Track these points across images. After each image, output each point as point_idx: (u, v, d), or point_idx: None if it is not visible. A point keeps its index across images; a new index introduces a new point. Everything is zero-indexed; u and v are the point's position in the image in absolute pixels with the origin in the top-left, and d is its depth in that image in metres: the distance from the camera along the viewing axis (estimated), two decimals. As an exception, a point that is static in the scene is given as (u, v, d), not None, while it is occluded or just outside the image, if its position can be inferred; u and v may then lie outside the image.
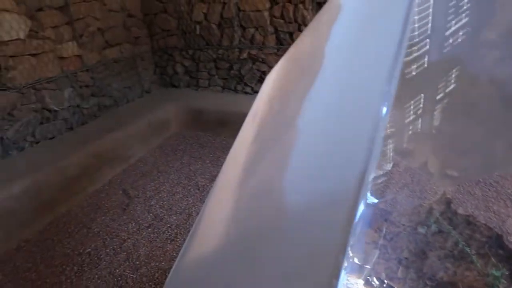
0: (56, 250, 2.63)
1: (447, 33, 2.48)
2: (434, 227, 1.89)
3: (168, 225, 2.76)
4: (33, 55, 3.66)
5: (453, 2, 2.29)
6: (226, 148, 3.97)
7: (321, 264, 0.45)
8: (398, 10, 0.65)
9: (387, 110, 0.55)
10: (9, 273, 2.44)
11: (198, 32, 5.03)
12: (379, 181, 2.90)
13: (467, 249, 1.72)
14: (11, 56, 3.45)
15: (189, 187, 3.26)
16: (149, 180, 3.45)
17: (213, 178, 3.36)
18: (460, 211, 2.16)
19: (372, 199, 2.49)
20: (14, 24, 3.43)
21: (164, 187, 3.30)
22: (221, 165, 3.79)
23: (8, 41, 3.41)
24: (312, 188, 0.62)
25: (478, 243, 1.77)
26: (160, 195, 3.17)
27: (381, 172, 2.85)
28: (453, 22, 2.43)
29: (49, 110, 3.87)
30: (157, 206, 3.00)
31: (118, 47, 4.86)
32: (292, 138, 0.87)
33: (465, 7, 2.35)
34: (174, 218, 2.83)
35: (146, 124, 4.23)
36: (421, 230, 1.91)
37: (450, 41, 2.51)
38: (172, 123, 4.66)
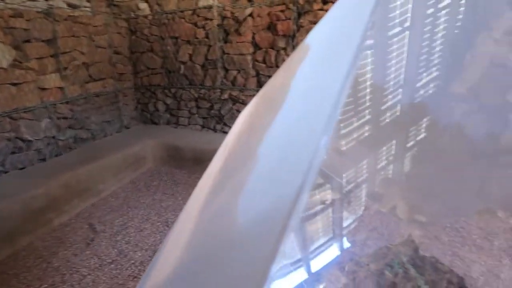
0: (10, 286, 2.48)
1: (419, 84, 2.61)
2: (400, 270, 1.89)
3: (132, 261, 2.66)
4: (14, 84, 3.66)
5: (424, 56, 2.44)
6: (201, 186, 3.94)
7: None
8: (350, 49, 0.70)
9: (326, 142, 0.58)
10: (-43, 307, 2.28)
11: (182, 71, 5.15)
12: (350, 223, 2.91)
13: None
14: (-11, 83, 3.44)
15: (158, 223, 3.19)
16: (117, 215, 3.37)
17: (185, 215, 3.31)
18: (427, 255, 2.17)
19: (341, 241, 2.49)
20: (-3, 52, 3.45)
21: (132, 222, 3.22)
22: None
23: (-11, 68, 3.41)
24: (254, 209, 0.63)
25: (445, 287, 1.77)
26: (127, 230, 3.08)
27: (352, 215, 2.87)
28: (425, 74, 2.57)
29: (23, 140, 3.80)
30: (123, 241, 2.91)
31: (102, 81, 4.91)
32: (251, 165, 0.89)
33: (436, 61, 2.50)
34: (139, 254, 2.74)
35: (121, 158, 4.19)
36: (387, 272, 1.90)
37: (422, 92, 2.64)
38: (148, 159, 4.63)
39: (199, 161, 4.38)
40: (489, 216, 2.74)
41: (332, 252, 2.24)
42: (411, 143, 2.90)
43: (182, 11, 4.91)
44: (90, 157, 3.98)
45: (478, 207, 2.71)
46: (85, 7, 4.67)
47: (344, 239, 2.58)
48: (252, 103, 1.72)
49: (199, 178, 3.68)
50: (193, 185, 3.98)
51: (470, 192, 2.64)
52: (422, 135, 2.87)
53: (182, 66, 5.14)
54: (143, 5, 5.26)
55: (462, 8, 2.32)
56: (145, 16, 5.25)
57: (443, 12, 2.23)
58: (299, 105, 0.80)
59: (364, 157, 2.90)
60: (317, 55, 0.97)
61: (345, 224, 2.74)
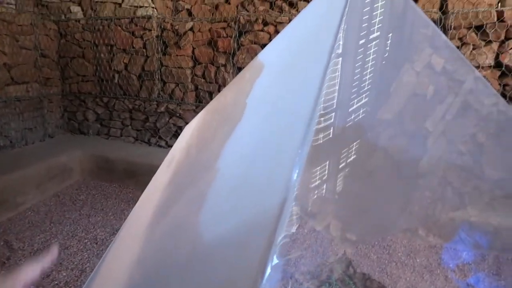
0: None
1: (351, 109, 2.74)
2: (335, 286, 1.96)
3: (56, 282, 2.43)
4: None
5: (356, 83, 2.57)
6: (132, 200, 3.75)
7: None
8: (317, 71, 0.72)
9: (301, 156, 0.59)
10: None
11: (116, 80, 4.93)
12: (285, 241, 2.96)
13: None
14: None
15: (86, 240, 2.96)
16: (39, 231, 3.07)
17: (114, 231, 3.11)
18: (359, 271, 2.28)
19: (277, 259, 2.52)
20: None
21: (56, 239, 2.96)
22: (125, 218, 3.55)
23: None
24: (222, 225, 0.62)
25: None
26: (50, 248, 2.82)
27: (287, 233, 2.92)
28: (356, 100, 2.71)
29: None
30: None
31: (25, 85, 4.52)
32: (210, 180, 0.87)
33: (366, 88, 2.65)
34: (64, 274, 2.52)
35: (44, 169, 3.85)
36: (324, 287, 1.96)
37: (353, 116, 2.78)
38: (76, 171, 4.31)
39: (131, 175, 4.18)
40: (411, 234, 2.97)
41: (269, 271, 2.25)
42: (343, 164, 3.04)
43: (119, 19, 4.74)
44: (7, 166, 3.60)
45: (402, 225, 2.92)
46: (9, 3, 4.30)
47: (281, 257, 2.62)
48: (199, 118, 1.69)
49: (131, 192, 3.55)
50: (124, 199, 3.78)
51: (395, 212, 2.84)
52: (353, 157, 3.02)
53: (116, 75, 4.93)
54: (76, 9, 4.98)
55: (389, 41, 2.52)
56: (78, 20, 4.97)
57: (373, 43, 2.38)
58: (264, 123, 0.81)
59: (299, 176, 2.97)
60: (277, 75, 0.99)
61: (280, 242, 2.79)
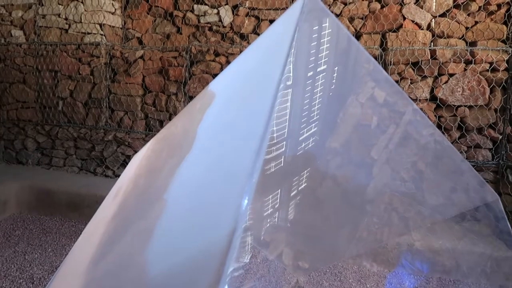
0: None
1: (301, 138, 2.79)
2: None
3: (-17, 330, 2.18)
4: None
5: (305, 113, 2.64)
6: (75, 235, 3.52)
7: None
8: (266, 102, 0.73)
9: (251, 184, 0.58)
10: None
11: (60, 108, 4.71)
12: (237, 273, 2.90)
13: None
14: None
15: (21, 280, 2.71)
16: (-35, 272, 2.77)
17: (54, 269, 2.88)
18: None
19: (231, 291, 2.45)
20: None
21: (-15, 281, 2.68)
22: (67, 254, 3.32)
23: None
24: (170, 259, 0.60)
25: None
26: (-23, 292, 2.54)
27: (239, 264, 2.87)
28: (305, 130, 2.78)
29: None
30: (-29, 306, 2.39)
31: (-45, 111, 4.18)
32: (158, 213, 0.84)
33: (315, 118, 2.72)
34: (-7, 320, 2.27)
35: (-26, 203, 3.53)
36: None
37: (303, 145, 2.83)
38: (10, 204, 3.99)
39: (75, 207, 3.93)
40: (360, 260, 3.03)
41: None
42: (295, 191, 3.07)
43: (65, 45, 4.59)
44: None
45: (352, 252, 2.98)
46: None
47: (234, 288, 2.55)
48: (148, 147, 1.65)
49: (74, 226, 3.35)
50: (66, 234, 3.53)
51: (345, 238, 2.90)
52: (304, 185, 3.07)
53: (60, 102, 4.71)
54: (18, 33, 4.77)
55: (335, 74, 2.64)
56: (19, 45, 4.74)
57: (321, 75, 2.48)
58: (213, 152, 0.80)
59: (250, 205, 2.96)
60: (227, 105, 1.00)
61: (233, 274, 2.72)
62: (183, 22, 4.44)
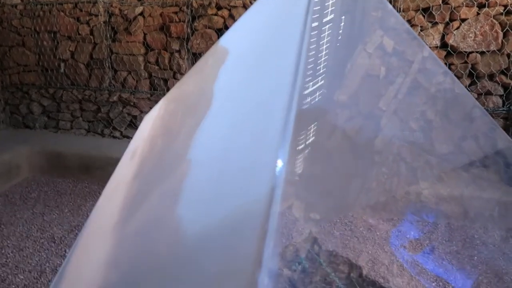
0: None
1: (306, 91, 2.74)
2: (304, 264, 2.02)
3: (14, 286, 2.30)
4: None
5: (311, 65, 2.58)
6: (89, 195, 3.61)
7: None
8: (289, 56, 0.71)
9: (285, 140, 0.58)
10: None
11: (62, 70, 4.65)
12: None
13: (336, 280, 1.88)
14: None
15: (42, 240, 2.82)
16: (-12, 234, 2.88)
17: (73, 228, 2.98)
18: (324, 249, 2.36)
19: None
20: None
21: (8, 241, 2.78)
22: (83, 214, 3.40)
23: None
24: (213, 213, 0.61)
25: (343, 274, 1.95)
26: (2, 251, 2.65)
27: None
28: (311, 83, 2.72)
29: None
30: (-1, 265, 2.50)
31: (-43, 77, 4.14)
32: (183, 172, 0.85)
33: (321, 71, 2.66)
34: (22, 277, 2.39)
35: (-12, 168, 3.59)
36: (294, 267, 2.01)
37: (309, 99, 2.79)
38: (23, 168, 4.05)
39: (86, 169, 4.00)
40: (370, 210, 3.10)
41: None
42: (302, 145, 3.07)
43: (61, 4, 4.44)
44: None
45: (362, 202, 3.04)
46: None
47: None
48: (161, 107, 1.64)
49: (87, 187, 3.42)
50: (80, 195, 3.62)
51: (355, 189, 2.94)
52: (312, 139, 3.06)
53: (62, 64, 4.64)
54: (12, -7, 4.60)
55: (342, 24, 2.56)
56: (14, 6, 4.60)
57: (327, 26, 2.40)
58: (237, 111, 0.79)
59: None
60: (245, 62, 0.97)
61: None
62: (181, -26, 4.25)
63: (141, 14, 4.22)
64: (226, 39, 1.36)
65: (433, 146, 3.11)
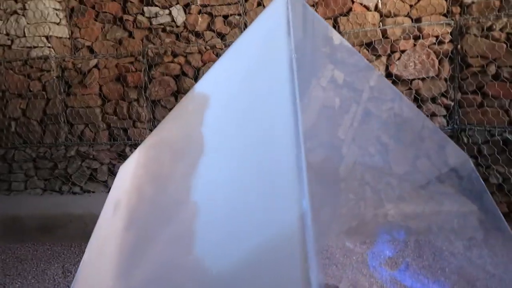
0: None
1: None
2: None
3: None
4: None
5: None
6: (53, 258, 3.39)
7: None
8: (282, 93, 0.79)
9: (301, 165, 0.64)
10: None
11: (13, 129, 4.46)
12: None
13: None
14: None
15: (7, 313, 2.60)
16: None
17: (39, 296, 2.78)
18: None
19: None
20: None
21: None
22: (50, 279, 3.20)
23: None
24: (238, 249, 0.64)
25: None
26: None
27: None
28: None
29: None
30: None
31: None
32: (190, 214, 0.87)
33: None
34: None
35: None
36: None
37: None
38: (-25, 237, 3.76)
39: (46, 230, 3.78)
40: (344, 235, 3.18)
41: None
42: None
43: (9, 62, 4.34)
44: None
45: (335, 229, 3.12)
46: None
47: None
48: (139, 156, 1.65)
49: (49, 249, 3.26)
50: (43, 258, 3.40)
51: (328, 217, 3.03)
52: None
53: (13, 123, 4.47)
54: (-47, 54, 4.44)
55: (294, 62, 2.72)
56: (-43, 67, 4.42)
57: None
58: (238, 151, 0.84)
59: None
60: (233, 102, 1.04)
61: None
62: (135, 26, 4.35)
63: (96, 66, 4.22)
64: (203, 85, 1.42)
65: (391, 168, 3.30)
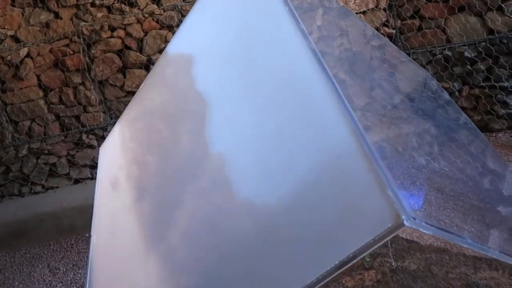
0: None
1: None
2: None
3: None
4: None
5: None
6: (34, 259, 3.29)
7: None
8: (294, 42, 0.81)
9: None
10: None
11: (-50, 139, 4.09)
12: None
13: None
14: None
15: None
16: None
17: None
18: None
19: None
20: None
21: None
22: (38, 281, 3.13)
23: None
24: (296, 178, 0.69)
25: None
26: None
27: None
28: None
29: None
30: None
31: None
32: (219, 162, 0.89)
33: None
34: None
35: None
36: None
37: None
38: None
39: (19, 234, 3.62)
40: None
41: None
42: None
43: None
44: None
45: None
46: None
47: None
48: (123, 130, 1.61)
49: (27, 252, 3.18)
50: (23, 263, 3.28)
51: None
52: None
53: None
54: None
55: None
56: None
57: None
58: (257, 95, 0.87)
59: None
60: (226, 58, 1.04)
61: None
62: (59, 5, 4.01)
63: (28, 55, 3.90)
64: (177, 45, 1.40)
65: (353, 102, 3.46)
